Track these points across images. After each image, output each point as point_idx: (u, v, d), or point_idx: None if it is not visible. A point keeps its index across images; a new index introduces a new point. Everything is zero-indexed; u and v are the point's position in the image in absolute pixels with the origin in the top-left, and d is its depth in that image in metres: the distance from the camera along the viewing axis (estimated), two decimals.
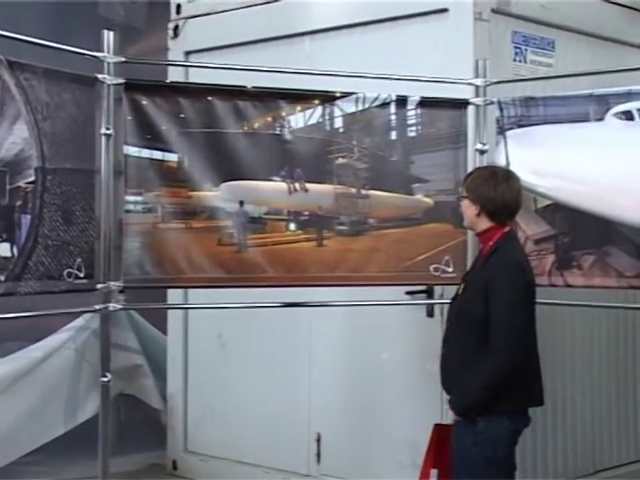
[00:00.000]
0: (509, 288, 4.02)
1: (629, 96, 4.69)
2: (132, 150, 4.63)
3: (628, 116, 4.69)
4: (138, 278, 4.65)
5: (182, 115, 4.70)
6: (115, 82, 4.52)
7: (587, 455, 6.16)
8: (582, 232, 4.85)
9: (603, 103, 4.76)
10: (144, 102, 4.63)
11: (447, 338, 4.22)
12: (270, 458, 6.23)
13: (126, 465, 6.43)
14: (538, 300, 5.09)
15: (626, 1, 6.22)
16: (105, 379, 4.56)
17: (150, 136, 4.66)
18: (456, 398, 4.08)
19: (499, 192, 4.13)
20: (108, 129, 4.48)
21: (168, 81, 5.45)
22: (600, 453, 6.25)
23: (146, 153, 4.68)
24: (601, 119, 4.77)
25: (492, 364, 3.98)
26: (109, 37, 4.52)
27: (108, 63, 4.49)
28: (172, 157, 4.71)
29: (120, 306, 4.71)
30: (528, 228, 4.97)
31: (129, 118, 4.60)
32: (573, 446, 6.07)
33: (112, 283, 4.55)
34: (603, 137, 4.77)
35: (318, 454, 6.06)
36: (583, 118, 4.83)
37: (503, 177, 4.21)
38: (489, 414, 4.00)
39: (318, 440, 6.05)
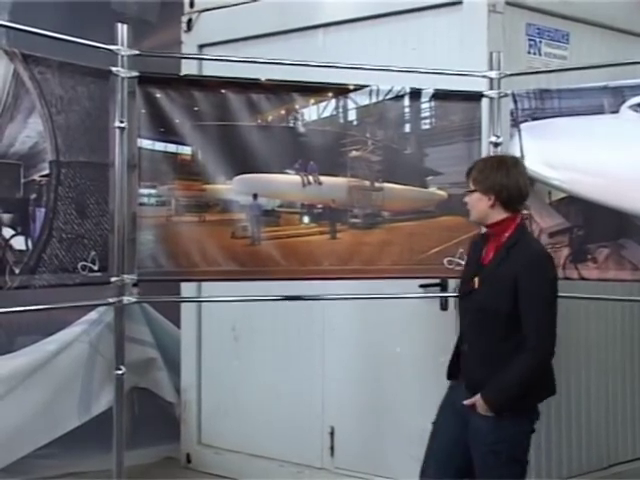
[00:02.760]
0: (544, 283, 4.00)
1: None
2: (146, 143, 4.63)
3: None
4: (152, 271, 4.65)
5: (196, 108, 4.70)
6: (129, 75, 4.52)
7: (602, 449, 6.15)
8: (597, 225, 4.83)
9: (618, 95, 4.74)
10: (158, 95, 4.63)
11: (467, 334, 4.13)
12: (284, 451, 6.23)
13: (140, 458, 6.43)
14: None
15: None
16: (119, 372, 4.57)
17: (164, 129, 4.66)
18: (492, 394, 3.97)
19: (512, 178, 4.08)
20: (122, 122, 4.48)
21: (182, 74, 5.44)
22: (615, 447, 6.23)
23: (160, 146, 4.69)
24: (616, 111, 4.74)
25: (529, 360, 3.95)
26: (123, 30, 4.52)
27: (122, 56, 4.49)
28: (186, 150, 4.71)
29: (134, 299, 4.71)
30: (542, 221, 4.96)
31: (143, 111, 4.61)
32: (588, 440, 6.05)
33: (126, 276, 4.56)
34: (618, 129, 4.75)
35: (332, 447, 6.06)
36: (598, 110, 4.81)
37: (512, 163, 4.17)
38: (516, 409, 3.99)
39: (332, 433, 6.05)
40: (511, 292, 3.94)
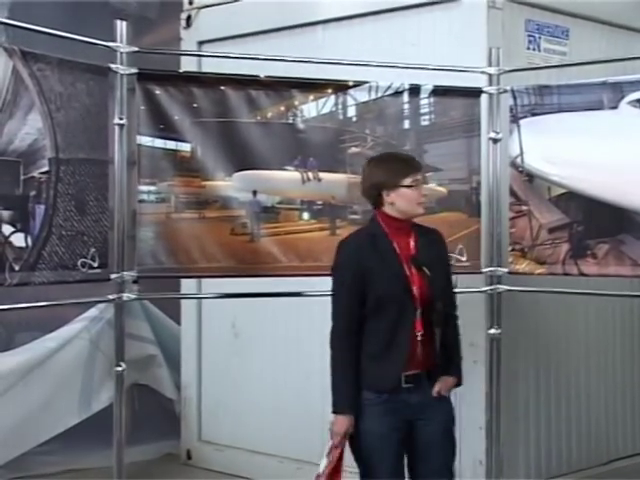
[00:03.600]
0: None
1: None
2: (145, 140, 4.63)
3: None
4: (152, 268, 4.66)
5: (195, 105, 4.70)
6: (128, 72, 4.52)
7: (601, 444, 6.16)
8: (596, 221, 4.83)
9: (617, 91, 4.74)
10: (157, 92, 4.63)
11: (416, 325, 3.92)
12: (284, 448, 6.24)
13: (140, 455, 6.44)
14: (553, 289, 5.13)
15: None
16: (119, 369, 4.57)
17: (163, 126, 4.66)
18: (459, 371, 4.08)
19: None
20: (121, 119, 4.49)
21: (181, 71, 5.44)
22: (614, 442, 6.24)
23: (159, 143, 4.69)
24: (615, 107, 4.74)
25: (458, 329, 4.13)
26: (122, 27, 4.52)
27: (121, 53, 4.50)
28: (185, 147, 4.71)
29: (134, 296, 4.72)
30: (542, 217, 4.96)
31: (142, 108, 4.61)
32: (587, 435, 6.06)
33: (126, 273, 4.56)
34: (617, 125, 4.74)
35: None
36: (597, 106, 4.81)
37: None
38: None
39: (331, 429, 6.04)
40: (446, 271, 4.11)
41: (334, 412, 3.89)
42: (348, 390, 3.88)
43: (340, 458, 3.90)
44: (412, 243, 4.00)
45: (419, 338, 3.90)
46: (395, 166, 3.99)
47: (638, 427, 6.40)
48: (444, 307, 3.96)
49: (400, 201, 3.94)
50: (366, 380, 3.89)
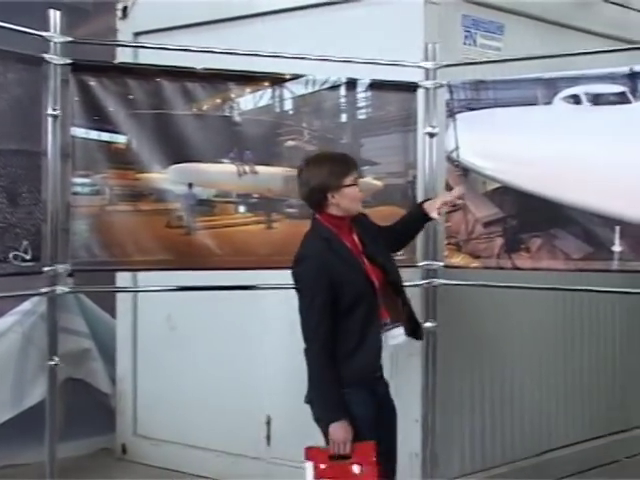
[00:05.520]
0: None
1: (577, 80, 4.74)
2: (79, 131, 4.58)
3: (576, 100, 4.73)
4: (86, 261, 4.61)
5: (130, 96, 4.66)
6: (62, 62, 4.46)
7: (535, 436, 6.23)
8: (530, 215, 4.89)
9: (551, 87, 4.80)
10: (92, 83, 4.58)
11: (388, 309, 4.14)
12: (220, 441, 6.22)
13: (75, 450, 6.39)
14: (487, 283, 5.18)
15: None
16: (52, 363, 4.52)
17: (98, 117, 4.61)
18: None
19: None
20: (55, 110, 4.43)
21: (117, 62, 5.38)
22: (548, 434, 6.32)
23: (94, 135, 4.64)
24: (549, 103, 4.80)
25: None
26: (55, 17, 4.46)
27: (55, 43, 4.44)
28: (120, 139, 4.67)
29: (67, 289, 4.66)
30: (477, 211, 5.00)
31: (76, 99, 4.55)
32: (521, 427, 6.13)
33: (59, 266, 4.51)
34: (551, 120, 4.80)
35: (268, 437, 6.07)
36: (532, 102, 4.87)
37: None
38: None
39: (268, 423, 6.05)
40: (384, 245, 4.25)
41: (329, 422, 3.90)
42: (338, 400, 3.93)
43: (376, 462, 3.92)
44: (356, 238, 4.09)
45: (385, 326, 4.07)
46: (335, 167, 4.02)
47: (571, 418, 6.48)
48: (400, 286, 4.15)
49: (344, 201, 4.01)
50: (343, 377, 3.94)
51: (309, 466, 3.96)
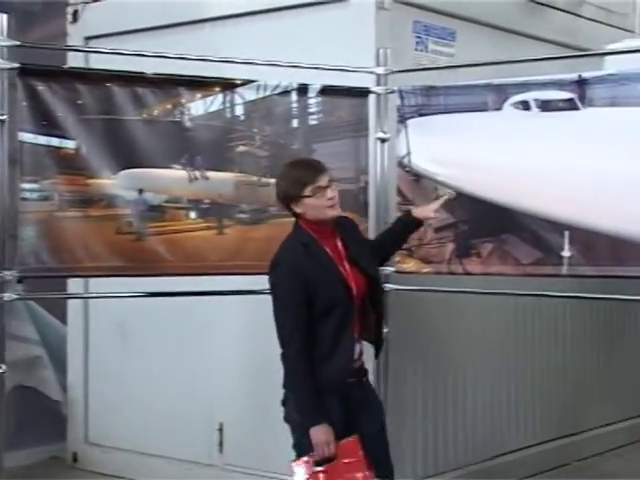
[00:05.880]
0: None
1: (526, 86, 4.77)
2: (28, 137, 4.52)
3: (525, 106, 4.77)
4: (34, 267, 4.55)
5: (80, 101, 4.62)
6: (9, 67, 4.42)
7: (487, 440, 6.26)
8: (481, 220, 4.91)
9: (501, 93, 4.83)
10: (40, 88, 4.53)
11: (360, 320, 4.13)
12: (172, 449, 6.19)
13: (25, 458, 6.33)
14: (439, 288, 5.20)
15: None
16: (0, 370, 4.46)
17: (46, 122, 4.56)
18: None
19: None
20: (2, 115, 4.39)
21: (65, 66, 5.33)
22: (500, 438, 6.35)
23: (42, 140, 4.58)
24: (499, 109, 4.83)
25: None
26: (2, 20, 4.42)
27: (2, 47, 4.39)
28: (69, 144, 4.62)
29: (15, 296, 4.60)
30: None
31: (24, 104, 4.50)
32: (473, 432, 6.16)
33: (7, 272, 4.46)
34: (501, 126, 4.83)
35: (221, 444, 6.04)
36: (482, 107, 4.89)
37: None
38: None
39: (220, 430, 6.03)
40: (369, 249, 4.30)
41: (309, 426, 3.90)
42: (317, 403, 3.94)
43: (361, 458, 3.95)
44: (339, 243, 4.10)
45: (356, 335, 4.06)
46: (296, 177, 4.02)
47: (522, 422, 6.52)
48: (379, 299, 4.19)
49: (308, 210, 4.01)
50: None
51: (300, 471, 3.96)
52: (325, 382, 3.96)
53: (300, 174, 4.01)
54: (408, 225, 4.54)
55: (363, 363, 4.19)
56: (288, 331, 3.95)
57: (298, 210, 4.01)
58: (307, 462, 3.94)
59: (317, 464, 3.92)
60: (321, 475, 3.92)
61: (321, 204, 3.98)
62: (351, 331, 4.04)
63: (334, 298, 3.98)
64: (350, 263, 4.07)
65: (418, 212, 4.53)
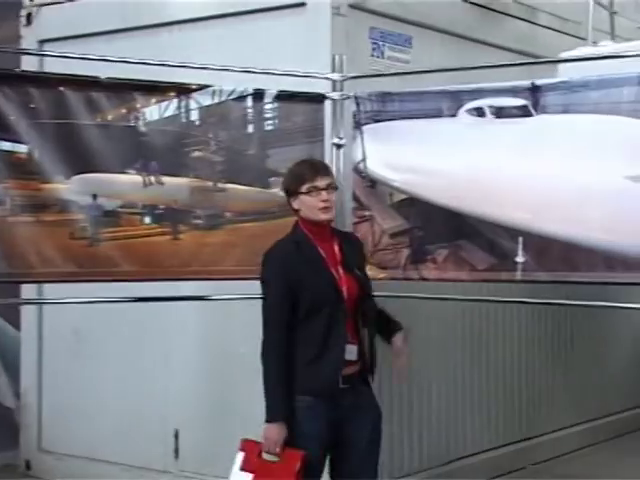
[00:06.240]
0: None
1: (481, 93, 4.79)
2: None
3: (480, 112, 4.79)
4: None
5: (32, 105, 4.56)
6: None
7: (445, 444, 6.29)
8: (436, 226, 4.93)
9: (456, 99, 4.85)
10: None
11: (354, 324, 4.08)
12: (127, 455, 6.15)
13: None
14: (394, 294, 5.20)
15: (480, 0, 6.37)
16: None
17: None
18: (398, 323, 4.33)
19: None
20: None
21: (18, 70, 5.27)
22: (455, 442, 6.38)
23: None
24: (454, 115, 4.85)
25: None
26: None
27: None
28: (22, 148, 4.57)
29: None
30: (384, 222, 5.03)
31: None
32: (428, 437, 6.17)
33: None
34: (456, 133, 4.85)
35: (176, 450, 6.01)
36: (437, 114, 4.91)
37: None
38: None
39: (176, 436, 6.00)
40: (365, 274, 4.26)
41: (267, 420, 3.94)
42: (282, 400, 3.96)
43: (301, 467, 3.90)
44: (336, 247, 4.12)
45: (349, 340, 4.03)
46: (296, 173, 4.14)
47: (478, 427, 6.56)
48: (373, 306, 4.17)
49: (303, 207, 4.08)
50: (303, 385, 3.97)
51: (239, 456, 4.04)
52: (312, 386, 3.97)
53: (301, 171, 4.12)
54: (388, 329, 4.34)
55: (363, 370, 4.11)
56: (268, 328, 4.01)
57: (295, 206, 4.10)
58: (255, 447, 3.98)
59: (260, 455, 3.97)
60: (253, 466, 3.98)
61: (314, 204, 4.05)
62: (342, 335, 4.02)
63: (320, 297, 3.99)
64: (344, 269, 4.09)
65: (394, 340, 4.30)
